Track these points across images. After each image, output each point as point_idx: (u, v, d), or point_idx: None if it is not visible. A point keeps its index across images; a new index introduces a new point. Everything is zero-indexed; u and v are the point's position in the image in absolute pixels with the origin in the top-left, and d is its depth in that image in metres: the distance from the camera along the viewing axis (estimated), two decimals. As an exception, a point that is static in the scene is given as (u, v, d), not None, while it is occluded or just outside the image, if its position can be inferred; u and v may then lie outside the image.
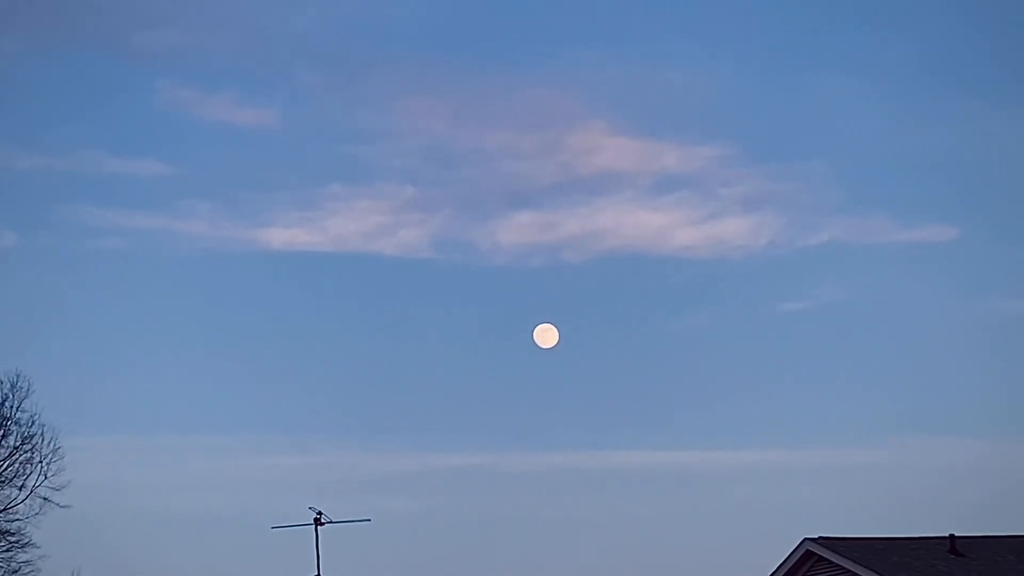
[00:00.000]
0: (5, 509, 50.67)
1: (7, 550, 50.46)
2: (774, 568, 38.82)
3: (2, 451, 51.08)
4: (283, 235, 70.73)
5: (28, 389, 51.63)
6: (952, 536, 38.23)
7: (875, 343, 67.79)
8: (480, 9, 74.16)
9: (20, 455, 51.21)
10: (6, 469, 50.88)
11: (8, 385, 51.41)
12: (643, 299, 70.81)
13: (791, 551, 38.23)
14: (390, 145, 73.74)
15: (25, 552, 50.65)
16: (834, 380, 66.47)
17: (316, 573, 38.22)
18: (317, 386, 68.30)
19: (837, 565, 37.14)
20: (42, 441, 51.32)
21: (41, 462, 51.06)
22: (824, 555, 37.46)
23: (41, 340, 65.10)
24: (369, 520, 39.47)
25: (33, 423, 51.49)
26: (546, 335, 62.54)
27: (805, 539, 37.95)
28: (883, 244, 69.45)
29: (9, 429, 51.37)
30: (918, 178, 70.95)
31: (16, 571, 50.48)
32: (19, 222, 68.94)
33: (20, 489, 50.82)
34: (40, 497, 50.70)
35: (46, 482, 50.87)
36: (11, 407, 51.51)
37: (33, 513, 50.70)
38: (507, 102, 72.88)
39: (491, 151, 73.40)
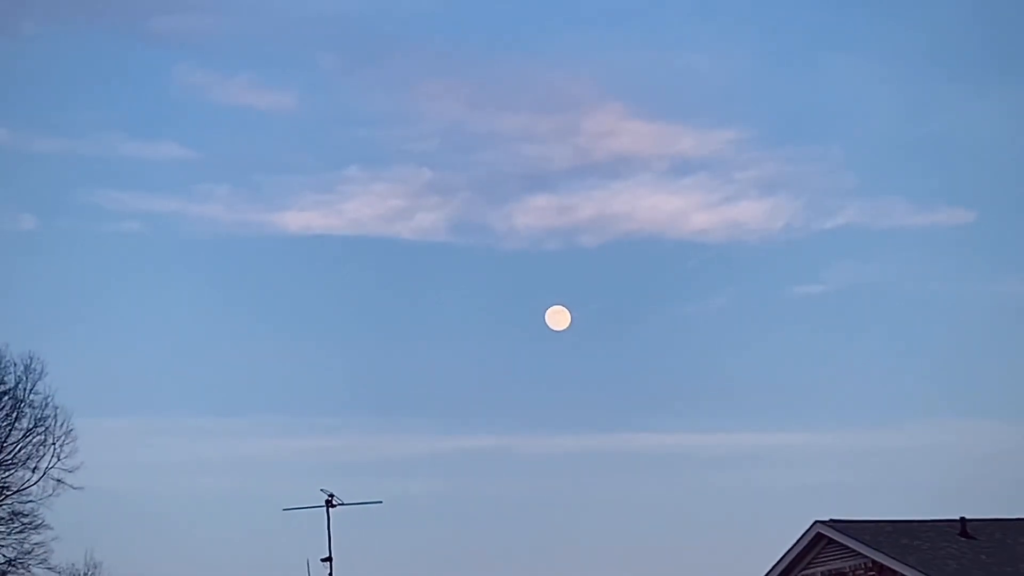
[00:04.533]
0: (18, 491, 50.72)
1: (20, 531, 50.53)
2: (786, 550, 38.89)
3: (16, 433, 51.09)
4: (300, 218, 71.11)
5: (42, 371, 51.76)
6: (963, 519, 38.44)
7: (890, 327, 68.19)
8: (498, -6, 74.42)
9: (33, 437, 51.21)
10: (20, 451, 50.91)
11: (22, 367, 51.55)
12: (658, 282, 71.11)
13: (802, 533, 38.38)
14: (407, 129, 74.09)
15: (38, 533, 50.74)
16: (849, 364, 66.92)
17: (328, 555, 38.17)
18: (330, 368, 68.84)
19: (847, 547, 37.35)
20: (55, 423, 51.39)
21: (54, 444, 51.13)
22: (834, 537, 37.66)
23: (57, 322, 65.70)
24: (381, 502, 39.65)
25: (47, 405, 51.57)
26: (558, 317, 62.68)
27: (816, 522, 38.10)
28: (899, 227, 69.74)
29: (23, 411, 51.40)
30: (934, 161, 71.21)
31: (29, 552, 50.47)
32: (37, 205, 69.65)
33: (33, 471, 50.83)
34: (53, 479, 50.78)
35: (59, 464, 50.95)
36: (25, 389, 51.56)
37: (46, 495, 50.76)
38: (524, 86, 73.15)
39: (508, 135, 73.66)
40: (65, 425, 51.28)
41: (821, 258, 70.88)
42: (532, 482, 65.69)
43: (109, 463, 56.14)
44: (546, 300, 65.05)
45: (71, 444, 51.13)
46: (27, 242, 68.48)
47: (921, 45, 71.35)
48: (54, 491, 50.60)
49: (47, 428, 51.20)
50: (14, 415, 51.15)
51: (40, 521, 50.65)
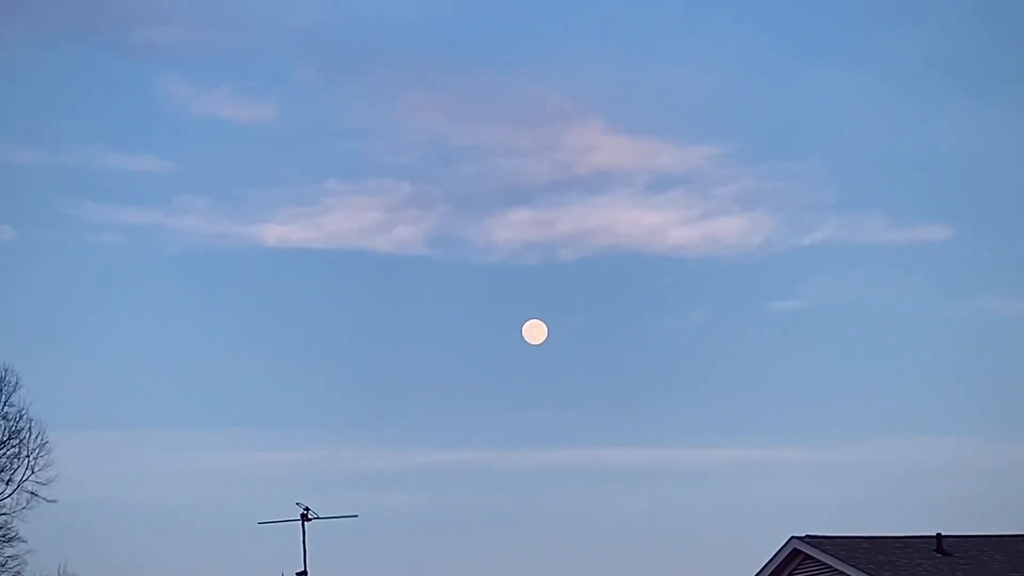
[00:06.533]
0: None
1: None
2: (761, 566, 39.02)
3: None
4: (279, 231, 71.32)
5: (16, 384, 52.18)
6: (939, 535, 38.51)
7: (868, 342, 68.59)
8: (478, 6, 74.81)
9: (7, 450, 51.68)
10: None
11: None
12: (637, 297, 71.38)
13: (778, 549, 38.47)
14: (387, 141, 74.43)
15: (11, 546, 51.24)
16: (827, 379, 67.23)
17: (303, 570, 38.34)
18: (307, 381, 68.79)
19: (824, 563, 37.42)
20: (30, 435, 51.84)
21: (28, 456, 51.58)
22: (811, 553, 37.73)
23: (34, 334, 65.77)
24: (356, 516, 39.76)
25: (21, 417, 52.03)
26: (535, 331, 63.03)
27: (792, 537, 38.16)
28: (877, 243, 70.13)
29: None
30: (912, 177, 71.53)
31: (2, 565, 51.03)
32: (16, 216, 69.43)
33: (7, 483, 51.22)
34: (27, 491, 51.19)
35: (33, 476, 51.38)
36: None
37: (20, 507, 51.22)
38: (504, 100, 73.49)
39: (488, 148, 73.99)
40: (40, 438, 51.88)
41: (800, 273, 71.34)
42: (509, 496, 66.04)
43: (84, 476, 55.96)
44: (525, 314, 65.40)
45: (46, 457, 51.70)
46: (4, 253, 68.69)
47: (901, 62, 71.93)
48: (28, 504, 51.18)
49: (21, 441, 51.80)
50: (-12, 428, 51.50)
51: (14, 534, 51.27)
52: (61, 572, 51.33)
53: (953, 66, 71.44)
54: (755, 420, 64.57)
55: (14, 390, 51.97)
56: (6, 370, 51.97)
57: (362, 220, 71.80)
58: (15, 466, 51.25)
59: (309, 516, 38.26)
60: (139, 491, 62.14)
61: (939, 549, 38.08)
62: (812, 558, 37.71)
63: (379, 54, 73.07)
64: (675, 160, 71.83)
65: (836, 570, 37.07)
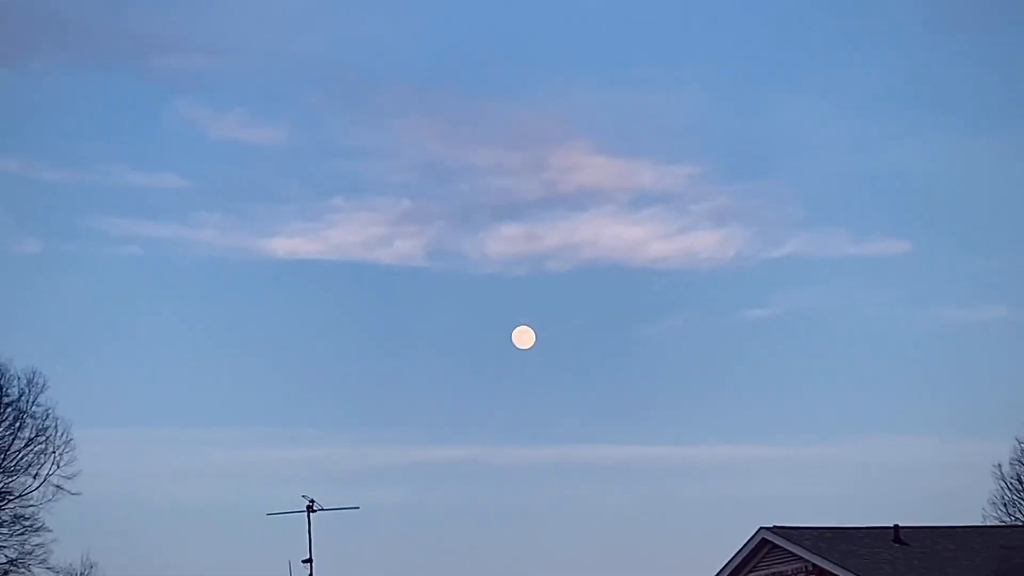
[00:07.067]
0: (20, 496, 52.42)
1: (21, 533, 52.28)
2: (732, 554, 40.43)
3: (18, 442, 52.72)
4: (287, 244, 73.47)
5: (43, 385, 53.34)
6: (896, 527, 40.06)
7: (833, 348, 70.91)
8: (474, 37, 77.33)
9: (35, 446, 52.84)
10: (22, 458, 52.56)
11: (25, 381, 53.12)
12: (619, 306, 73.39)
13: (748, 538, 39.99)
14: (388, 162, 76.79)
15: (38, 536, 52.51)
16: (794, 383, 69.25)
17: (308, 557, 38.95)
18: (314, 384, 70.70)
19: (790, 552, 38.96)
20: (56, 433, 53.00)
21: (54, 452, 52.78)
22: (778, 543, 39.31)
23: (60, 339, 67.76)
24: (358, 508, 40.18)
25: (48, 416, 53.15)
26: (524, 337, 64.43)
27: (761, 528, 39.73)
28: (841, 257, 72.64)
29: (25, 422, 52.98)
30: (873, 195, 73.78)
31: (30, 553, 52.15)
32: (44, 230, 71.96)
33: (34, 477, 52.55)
34: (53, 485, 52.49)
35: (59, 471, 52.69)
36: (27, 401, 53.14)
37: (46, 500, 52.51)
38: (497, 123, 75.67)
39: (481, 168, 76.06)
40: (65, 435, 53.08)
41: (769, 285, 73.52)
42: (499, 490, 67.89)
43: (105, 471, 57.64)
44: (515, 321, 67.09)
45: (70, 453, 53.01)
46: (33, 264, 70.82)
47: (861, 89, 74.38)
48: (54, 496, 52.44)
49: (48, 438, 52.85)
50: (17, 425, 52.81)
51: (40, 524, 52.46)
52: (84, 560, 52.90)
53: (910, 92, 73.72)
54: (729, 420, 66.38)
55: (41, 391, 53.22)
56: (34, 372, 53.33)
57: (365, 234, 73.97)
58: (42, 461, 52.50)
59: (314, 508, 38.85)
60: (157, 484, 64.02)
61: (897, 539, 39.64)
62: (779, 547, 39.22)
63: (381, 81, 75.43)
64: (654, 179, 73.95)
65: (801, 558, 38.52)
